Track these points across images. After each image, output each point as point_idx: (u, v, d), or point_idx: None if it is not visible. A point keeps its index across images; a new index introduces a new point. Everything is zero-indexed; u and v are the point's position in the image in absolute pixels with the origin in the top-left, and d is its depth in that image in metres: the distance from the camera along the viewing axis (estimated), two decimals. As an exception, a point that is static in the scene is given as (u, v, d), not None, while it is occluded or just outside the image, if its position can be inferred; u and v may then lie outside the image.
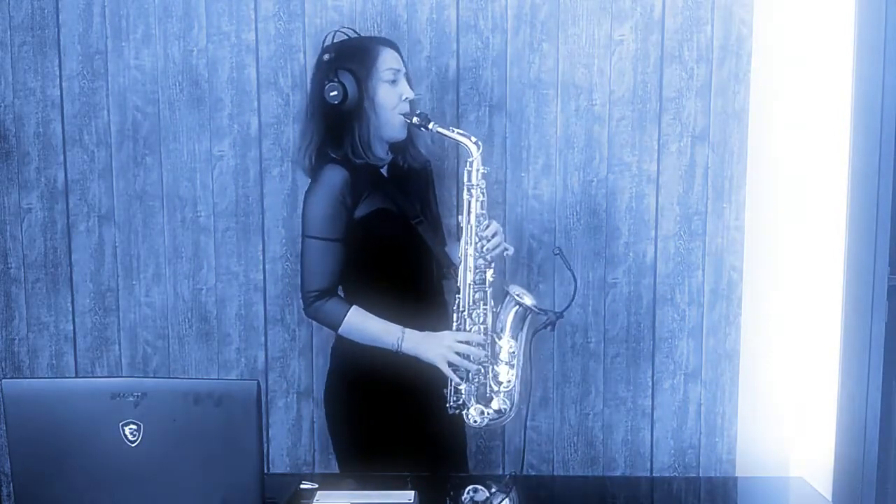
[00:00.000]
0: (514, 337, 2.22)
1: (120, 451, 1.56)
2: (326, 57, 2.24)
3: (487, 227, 2.24)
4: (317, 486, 1.91)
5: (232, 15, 2.68)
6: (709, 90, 2.67)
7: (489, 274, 2.23)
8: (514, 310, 2.22)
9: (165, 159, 2.75)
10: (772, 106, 2.66)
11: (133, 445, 1.56)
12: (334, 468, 2.75)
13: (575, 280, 2.31)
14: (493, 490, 2.03)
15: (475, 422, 2.22)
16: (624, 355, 2.77)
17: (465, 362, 2.19)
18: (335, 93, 2.18)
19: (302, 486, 1.91)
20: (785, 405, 2.75)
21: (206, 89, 2.71)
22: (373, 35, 2.43)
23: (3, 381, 1.59)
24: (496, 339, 2.23)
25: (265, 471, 2.03)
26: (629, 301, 2.75)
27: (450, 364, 2.19)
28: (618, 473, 2.80)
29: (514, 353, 2.22)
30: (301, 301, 2.29)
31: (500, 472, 2.77)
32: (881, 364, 2.73)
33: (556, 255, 2.31)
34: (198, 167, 2.74)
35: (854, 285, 2.72)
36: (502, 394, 2.22)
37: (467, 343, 2.19)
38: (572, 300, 2.31)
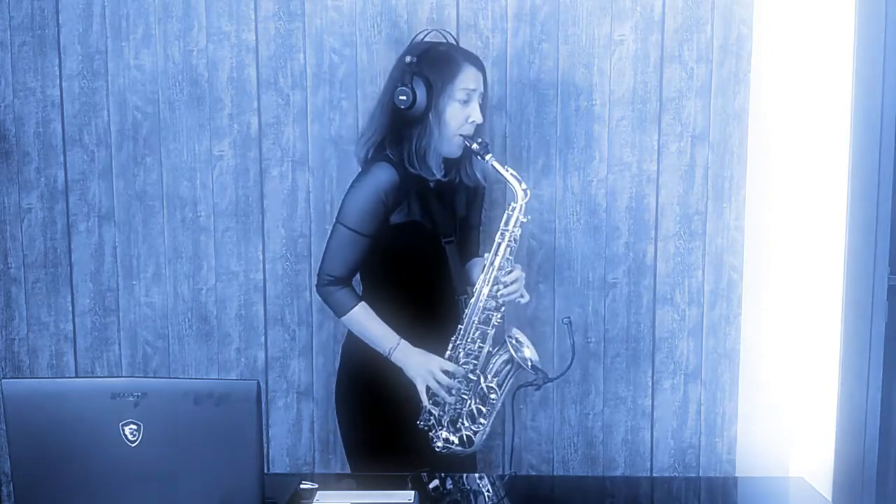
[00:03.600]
0: (499, 385, 2.24)
1: (120, 451, 1.56)
2: (408, 59, 2.19)
3: (510, 272, 2.23)
4: (317, 486, 1.91)
5: (232, 15, 2.68)
6: (709, 90, 2.67)
7: (496, 317, 2.23)
8: (507, 359, 2.23)
9: (165, 159, 2.75)
10: (772, 106, 2.66)
11: (133, 445, 1.56)
12: (334, 468, 2.76)
13: (573, 350, 2.28)
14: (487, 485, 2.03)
15: (437, 446, 2.25)
16: (624, 355, 2.77)
17: (442, 392, 2.21)
18: (404, 97, 2.17)
19: (302, 486, 1.91)
20: (785, 405, 2.75)
21: (206, 89, 2.71)
22: (463, 48, 2.35)
23: (3, 381, 1.59)
24: (482, 380, 2.24)
25: (265, 471, 2.03)
26: (629, 301, 2.75)
27: (428, 388, 2.21)
28: (618, 473, 2.80)
29: (494, 399, 2.24)
30: (316, 277, 2.31)
31: (500, 472, 2.77)
32: (881, 364, 2.73)
33: (564, 324, 2.29)
34: (198, 167, 2.74)
35: (854, 285, 2.71)
36: (472, 430, 2.24)
37: (450, 374, 2.21)
38: (569, 366, 2.28)
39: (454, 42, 2.32)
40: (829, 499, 2.65)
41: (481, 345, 2.23)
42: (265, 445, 2.80)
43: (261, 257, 2.77)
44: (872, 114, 2.65)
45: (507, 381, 2.25)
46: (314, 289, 2.36)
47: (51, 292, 2.82)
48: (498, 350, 2.25)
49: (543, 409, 2.79)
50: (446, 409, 2.25)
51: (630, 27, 2.65)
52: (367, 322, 2.25)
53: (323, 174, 2.71)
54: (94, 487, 1.58)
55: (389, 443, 2.29)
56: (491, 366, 2.25)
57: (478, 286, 2.22)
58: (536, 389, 2.22)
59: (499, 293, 2.21)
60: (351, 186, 2.25)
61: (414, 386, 2.23)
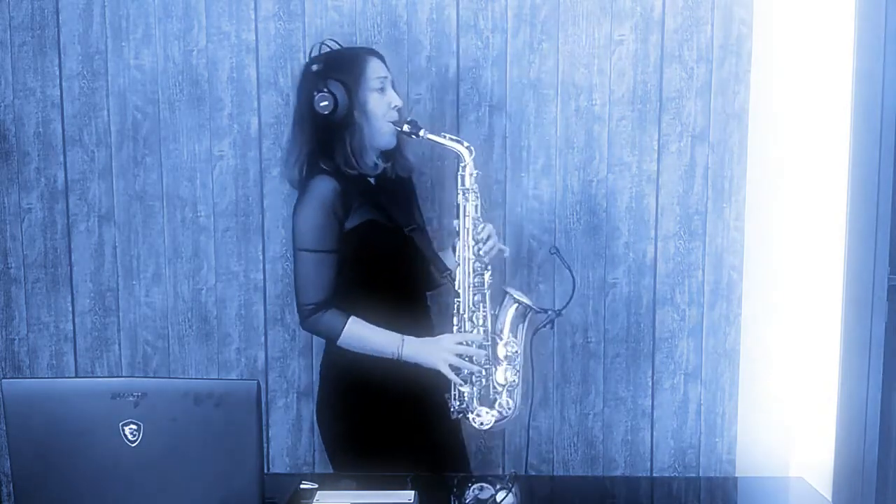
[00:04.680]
0: (514, 335, 2.23)
1: (120, 451, 1.56)
2: (315, 68, 2.23)
3: (483, 229, 2.24)
4: (317, 486, 1.91)
5: (232, 15, 2.68)
6: (709, 90, 2.67)
7: (487, 276, 2.24)
8: (514, 308, 2.24)
9: (165, 159, 2.75)
10: (772, 106, 2.66)
11: (133, 445, 1.56)
12: (334, 468, 2.75)
13: (573, 278, 2.32)
14: (498, 487, 2.02)
15: (480, 424, 2.22)
16: (624, 355, 2.77)
17: (466, 363, 2.19)
18: (326, 103, 2.18)
19: (302, 486, 1.91)
20: (785, 405, 2.75)
21: (206, 89, 2.71)
22: (356, 45, 2.42)
23: (3, 381, 1.59)
24: (496, 340, 2.23)
25: (265, 471, 2.03)
26: (629, 301, 2.75)
27: (452, 367, 2.19)
28: (618, 473, 2.80)
29: (515, 352, 2.23)
30: (297, 314, 2.26)
31: (501, 471, 2.77)
32: (881, 364, 2.73)
33: (552, 254, 2.31)
34: (198, 167, 2.74)
35: (854, 285, 2.71)
36: (504, 394, 2.23)
37: (466, 344, 2.20)
38: (571, 298, 2.32)
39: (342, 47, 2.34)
40: (829, 499, 2.65)
41: (484, 308, 2.23)
42: (265, 445, 2.80)
43: (261, 257, 2.77)
44: (872, 114, 2.65)
45: (520, 331, 2.24)
46: (300, 326, 2.29)
47: (51, 292, 2.82)
48: (501, 306, 2.25)
49: (543, 409, 2.79)
50: (475, 380, 2.22)
51: (630, 27, 2.65)
52: (365, 334, 2.21)
53: (323, 174, 2.71)
54: (94, 487, 1.58)
55: (381, 453, 2.25)
56: (499, 324, 2.24)
57: (459, 253, 2.24)
58: (551, 328, 2.22)
59: (480, 251, 2.23)
60: (296, 210, 2.23)
61: (415, 384, 2.21)
